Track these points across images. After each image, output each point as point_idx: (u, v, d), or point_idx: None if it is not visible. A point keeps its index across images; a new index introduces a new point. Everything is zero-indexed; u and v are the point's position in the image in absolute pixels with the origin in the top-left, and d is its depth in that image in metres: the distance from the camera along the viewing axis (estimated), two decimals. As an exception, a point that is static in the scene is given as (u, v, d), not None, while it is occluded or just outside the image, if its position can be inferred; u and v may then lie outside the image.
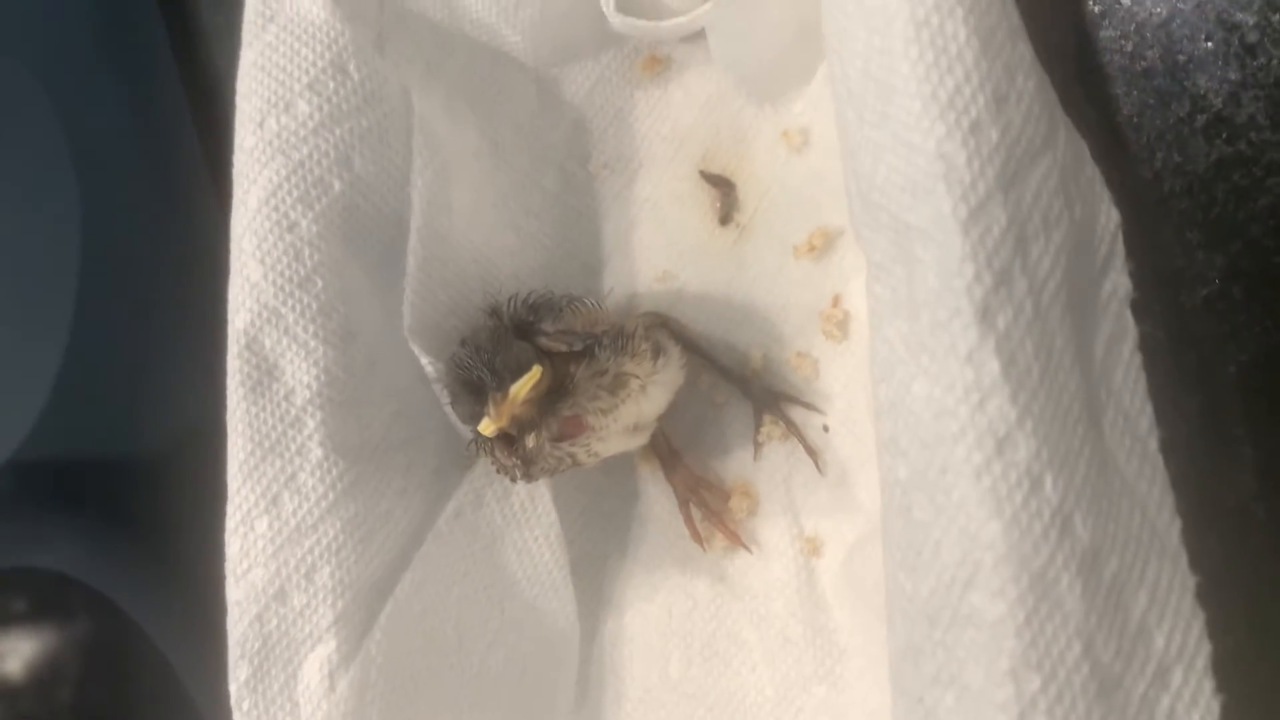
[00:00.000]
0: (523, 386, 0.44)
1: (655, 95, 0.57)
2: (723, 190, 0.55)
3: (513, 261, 0.56)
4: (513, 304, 0.50)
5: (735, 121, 0.55)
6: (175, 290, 0.70)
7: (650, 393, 0.49)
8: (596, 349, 0.47)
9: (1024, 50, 0.35)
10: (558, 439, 0.47)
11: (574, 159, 0.58)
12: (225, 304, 0.65)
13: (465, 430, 0.52)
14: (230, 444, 0.49)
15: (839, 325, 0.51)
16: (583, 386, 0.46)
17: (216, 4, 0.71)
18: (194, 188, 0.70)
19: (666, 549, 0.55)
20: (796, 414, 0.52)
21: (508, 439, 0.47)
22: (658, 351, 0.49)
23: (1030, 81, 0.34)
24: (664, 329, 0.53)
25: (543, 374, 0.45)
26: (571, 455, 0.47)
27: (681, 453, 0.54)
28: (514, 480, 0.49)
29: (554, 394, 0.46)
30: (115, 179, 0.70)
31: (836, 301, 0.51)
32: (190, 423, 0.68)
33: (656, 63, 0.56)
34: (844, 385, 0.51)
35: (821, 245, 0.52)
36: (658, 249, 0.56)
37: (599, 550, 0.56)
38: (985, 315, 0.32)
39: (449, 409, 0.51)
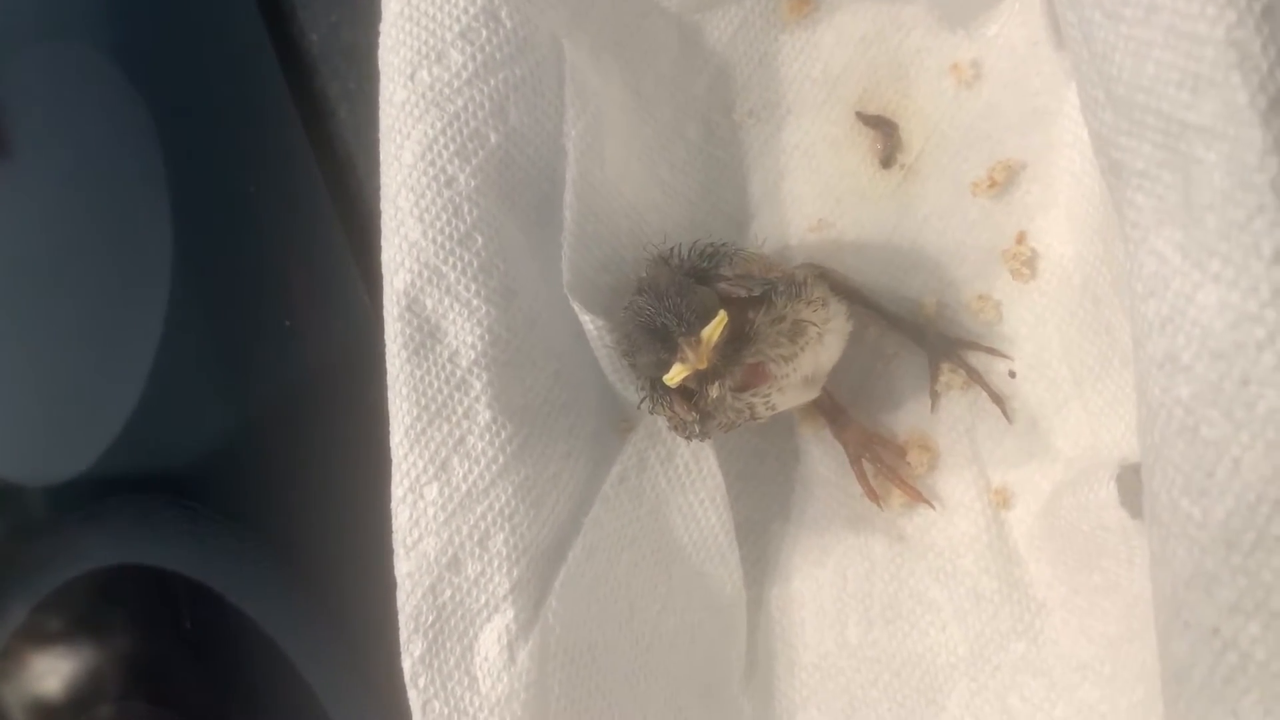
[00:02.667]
0: (715, 329, 0.42)
1: (803, 38, 0.54)
2: (884, 131, 0.52)
3: (659, 217, 0.54)
4: (679, 251, 0.48)
5: (894, 59, 0.52)
6: (272, 273, 0.68)
7: (826, 341, 0.47)
8: (773, 295, 0.45)
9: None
10: (740, 388, 0.45)
11: (718, 108, 0.55)
12: (315, 281, 0.64)
13: (627, 390, 0.50)
14: (393, 409, 0.47)
15: (1027, 263, 0.49)
16: (764, 333, 0.44)
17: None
18: (295, 167, 0.68)
19: (835, 510, 0.52)
20: (978, 361, 0.50)
21: (686, 392, 0.45)
22: (824, 302, 0.47)
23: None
24: (822, 280, 0.51)
25: (727, 319, 0.43)
26: (750, 407, 0.45)
27: (848, 408, 0.52)
28: (689, 437, 0.47)
29: (735, 342, 0.44)
30: (206, 163, 0.69)
31: (1022, 239, 0.49)
32: (286, 406, 0.66)
33: (804, 3, 0.54)
34: (1032, 327, 0.49)
35: (1003, 180, 0.49)
36: (811, 197, 0.54)
37: (760, 515, 0.54)
38: (1292, 211, 0.30)
39: (610, 370, 0.49)
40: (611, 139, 0.51)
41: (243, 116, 0.69)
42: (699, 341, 0.41)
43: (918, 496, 0.50)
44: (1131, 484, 0.41)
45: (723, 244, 0.48)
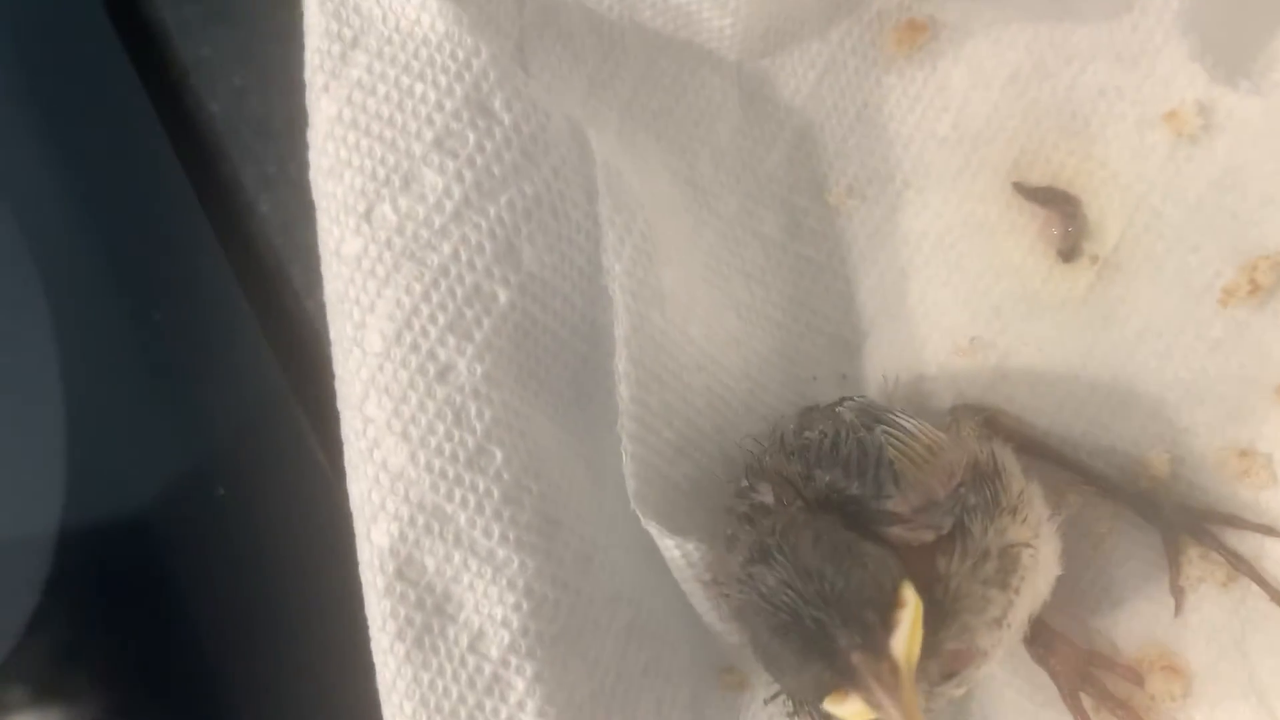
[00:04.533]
0: (912, 637, 0.26)
1: (920, 79, 0.39)
2: (1059, 209, 0.37)
3: (738, 354, 0.38)
4: (788, 438, 0.32)
5: (1065, 105, 0.37)
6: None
7: (1043, 555, 0.31)
8: (965, 517, 0.29)
9: None
10: (939, 681, 0.29)
11: (802, 189, 0.40)
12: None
13: (731, 632, 0.34)
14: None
15: (1315, 407, 0.33)
16: (966, 592, 0.29)
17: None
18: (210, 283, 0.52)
19: (1043, 754, 0.37)
20: (1242, 543, 0.35)
21: None
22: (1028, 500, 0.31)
23: None
24: (989, 429, 0.35)
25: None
26: (951, 698, 0.30)
27: (1049, 618, 0.36)
28: None
29: (927, 618, 0.28)
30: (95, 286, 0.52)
31: (1303, 369, 0.33)
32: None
33: (918, 30, 0.39)
34: (1329, 497, 0.34)
35: (1270, 283, 0.34)
36: (954, 305, 0.39)
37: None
38: None
39: (706, 609, 0.34)
40: (669, 262, 0.35)
41: (138, 220, 0.53)
42: (893, 668, 0.25)
43: (1168, 741, 0.35)
44: None
45: (844, 415, 0.33)
